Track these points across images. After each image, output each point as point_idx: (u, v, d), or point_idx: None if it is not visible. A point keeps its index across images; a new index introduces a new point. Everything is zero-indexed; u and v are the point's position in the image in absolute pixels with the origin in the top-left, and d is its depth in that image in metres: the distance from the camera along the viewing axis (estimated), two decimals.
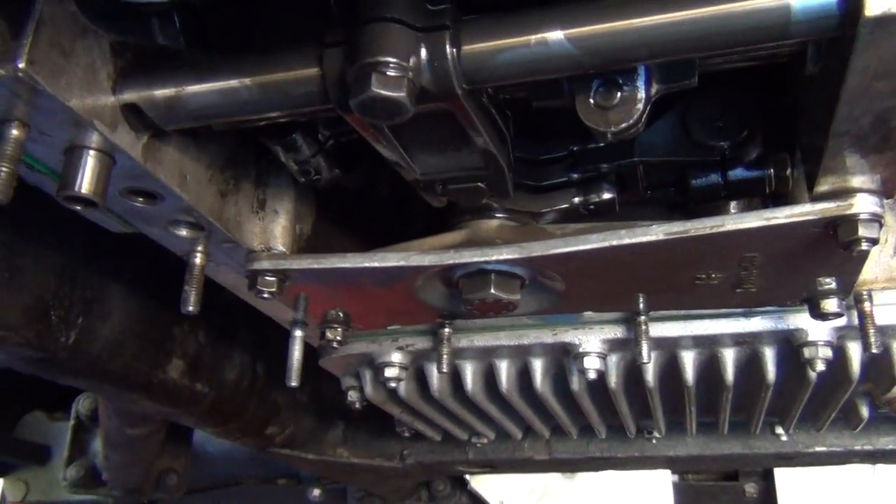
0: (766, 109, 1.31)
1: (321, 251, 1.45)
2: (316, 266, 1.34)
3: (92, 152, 1.03)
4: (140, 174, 1.11)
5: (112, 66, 1.03)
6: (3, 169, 0.94)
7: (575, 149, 1.42)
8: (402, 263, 1.33)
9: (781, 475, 3.16)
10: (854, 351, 1.59)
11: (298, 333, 1.58)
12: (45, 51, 0.91)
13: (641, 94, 1.02)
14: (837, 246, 1.17)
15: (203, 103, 1.04)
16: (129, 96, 1.04)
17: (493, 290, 1.34)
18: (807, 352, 1.54)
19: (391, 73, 0.91)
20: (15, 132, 0.96)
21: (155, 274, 1.81)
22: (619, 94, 1.03)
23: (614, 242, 1.24)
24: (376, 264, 1.34)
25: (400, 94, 0.90)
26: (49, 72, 0.92)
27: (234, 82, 1.02)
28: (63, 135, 1.01)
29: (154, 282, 1.82)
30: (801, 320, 1.54)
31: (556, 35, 0.92)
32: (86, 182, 1.02)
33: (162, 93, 1.04)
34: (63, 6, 0.94)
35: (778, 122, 1.31)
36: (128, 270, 1.76)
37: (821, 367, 1.53)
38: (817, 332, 1.53)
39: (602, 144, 1.36)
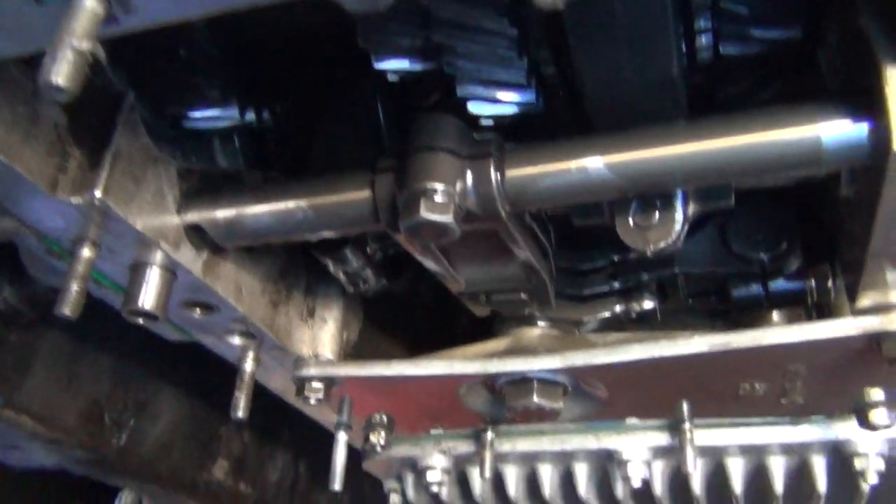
0: (805, 221, 1.33)
1: (367, 356, 1.49)
2: (362, 374, 1.37)
3: (155, 269, 1.10)
4: (199, 288, 1.17)
5: (178, 189, 1.11)
6: (75, 287, 1.01)
7: (616, 259, 1.44)
8: (446, 371, 1.36)
9: None
10: None
11: (343, 437, 1.59)
12: (119, 180, 0.99)
13: (679, 215, 1.05)
14: (882, 360, 1.17)
15: (261, 224, 1.11)
16: (193, 217, 1.11)
17: (535, 399, 1.35)
18: (858, 463, 1.49)
19: (439, 198, 0.96)
20: (87, 252, 1.03)
21: (203, 374, 1.86)
22: (657, 215, 1.06)
23: (656, 354, 1.25)
24: (421, 372, 1.37)
25: (447, 219, 0.95)
26: (122, 199, 0.99)
27: (290, 205, 1.09)
28: (130, 253, 1.08)
29: (202, 382, 1.87)
30: (850, 430, 1.50)
31: (595, 162, 0.97)
32: (149, 297, 1.08)
33: (223, 214, 1.11)
34: (137, 139, 1.02)
35: (817, 233, 1.32)
36: (178, 372, 1.82)
37: (873, 479, 1.49)
38: (868, 443, 1.49)
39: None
